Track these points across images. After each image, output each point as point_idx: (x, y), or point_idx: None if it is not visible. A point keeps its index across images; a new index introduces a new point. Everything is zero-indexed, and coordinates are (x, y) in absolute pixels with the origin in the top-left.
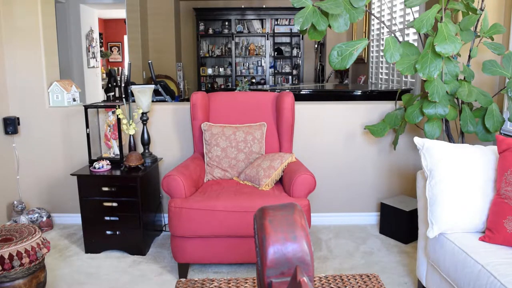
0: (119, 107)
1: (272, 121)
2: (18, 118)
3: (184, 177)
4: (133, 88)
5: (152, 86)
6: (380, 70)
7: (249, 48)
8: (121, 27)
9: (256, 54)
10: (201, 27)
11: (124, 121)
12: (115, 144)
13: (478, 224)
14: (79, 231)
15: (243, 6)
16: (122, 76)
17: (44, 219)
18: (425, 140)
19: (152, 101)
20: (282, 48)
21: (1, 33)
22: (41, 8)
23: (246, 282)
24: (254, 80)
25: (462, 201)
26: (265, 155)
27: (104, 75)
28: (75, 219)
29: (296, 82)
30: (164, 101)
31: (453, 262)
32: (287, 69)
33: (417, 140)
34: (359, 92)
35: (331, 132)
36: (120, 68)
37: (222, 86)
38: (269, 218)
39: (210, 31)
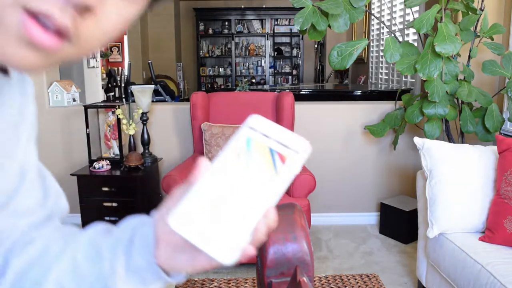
0: (119, 107)
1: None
2: None
3: (184, 177)
4: (133, 88)
5: (152, 86)
6: (380, 70)
7: (249, 48)
8: None
9: (256, 54)
10: (201, 27)
11: (124, 121)
12: (115, 144)
13: (478, 224)
14: None
15: (243, 6)
16: (122, 76)
17: None
18: (425, 140)
19: (152, 101)
20: (282, 48)
21: None
22: None
23: (246, 282)
24: (254, 80)
25: (462, 201)
26: None
27: (104, 75)
28: (75, 219)
29: (296, 82)
30: (164, 101)
31: (453, 262)
32: (287, 69)
33: (417, 140)
34: (359, 92)
35: (331, 132)
36: (120, 68)
37: (222, 86)
38: None
39: (210, 31)
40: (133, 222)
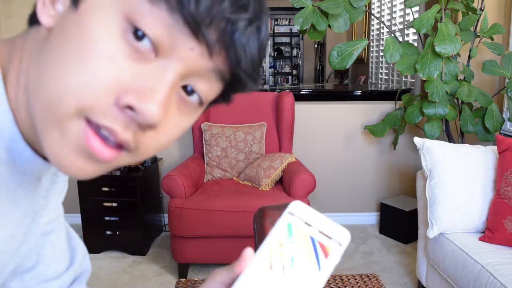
0: None
1: (272, 121)
2: None
3: (184, 177)
4: None
5: None
6: (380, 70)
7: None
8: None
9: None
10: None
11: None
12: None
13: (478, 224)
14: (79, 231)
15: None
16: None
17: None
18: (425, 140)
19: None
20: (282, 48)
21: (1, 33)
22: None
23: None
24: None
25: (462, 201)
26: (265, 155)
27: None
28: (75, 219)
29: (296, 82)
30: None
31: (453, 262)
32: (287, 69)
33: (417, 140)
34: (359, 92)
35: (331, 132)
36: None
37: None
38: (269, 218)
39: None
40: None
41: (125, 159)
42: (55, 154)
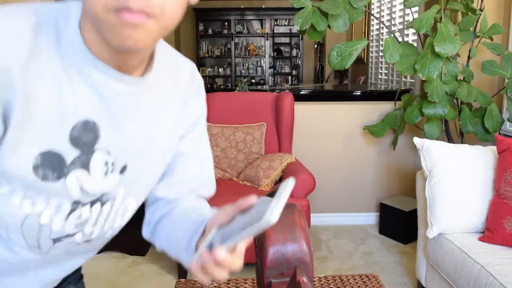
0: None
1: (271, 122)
2: None
3: None
4: None
5: None
6: (380, 71)
7: (248, 48)
8: None
9: (256, 55)
10: (201, 28)
11: None
12: None
13: (477, 224)
14: None
15: (242, 7)
16: None
17: None
18: (424, 140)
19: None
20: (282, 48)
21: None
22: None
23: (246, 282)
24: (253, 81)
25: (461, 201)
26: (264, 156)
27: None
28: None
29: (295, 83)
30: None
31: (453, 262)
32: (287, 69)
33: (416, 140)
34: (358, 92)
35: (331, 132)
36: None
37: (222, 87)
38: None
39: (210, 31)
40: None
41: (153, 24)
42: (112, 36)
